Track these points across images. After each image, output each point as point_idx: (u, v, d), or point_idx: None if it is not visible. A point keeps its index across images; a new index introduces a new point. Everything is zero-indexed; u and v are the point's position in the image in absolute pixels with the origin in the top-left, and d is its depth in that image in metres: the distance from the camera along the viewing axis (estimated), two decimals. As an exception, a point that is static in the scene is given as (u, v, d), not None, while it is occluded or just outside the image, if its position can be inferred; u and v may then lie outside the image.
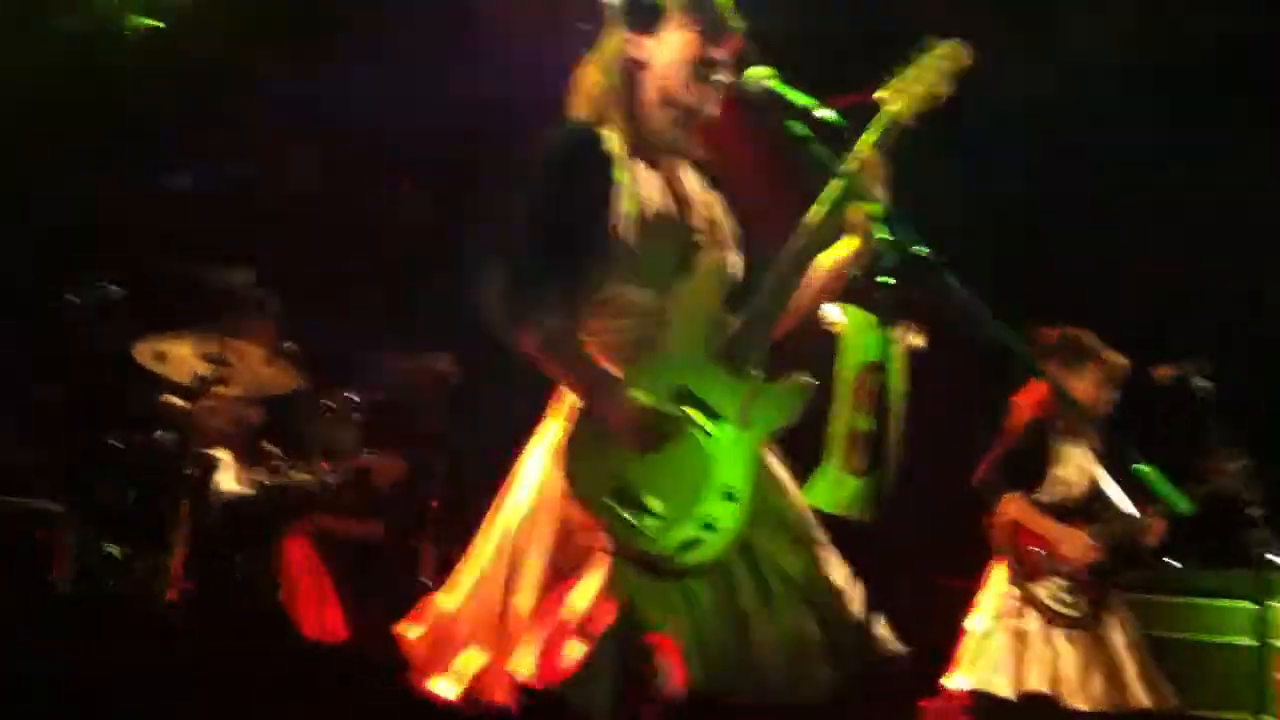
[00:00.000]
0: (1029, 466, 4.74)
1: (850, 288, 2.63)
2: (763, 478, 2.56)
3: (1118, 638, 4.49)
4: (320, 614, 4.83)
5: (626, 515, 2.36)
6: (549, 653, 2.35)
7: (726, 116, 2.81)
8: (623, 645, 2.34)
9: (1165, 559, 5.68)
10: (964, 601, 4.79)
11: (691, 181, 2.80)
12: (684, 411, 2.49)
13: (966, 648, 4.60)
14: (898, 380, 2.48)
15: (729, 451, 2.49)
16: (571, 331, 2.54)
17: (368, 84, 5.88)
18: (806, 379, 2.59)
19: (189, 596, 4.50)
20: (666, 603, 2.39)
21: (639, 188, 2.64)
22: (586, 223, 2.57)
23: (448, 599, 2.61)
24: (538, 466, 2.60)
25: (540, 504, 2.54)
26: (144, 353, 4.87)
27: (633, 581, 2.37)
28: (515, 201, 2.61)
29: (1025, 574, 4.60)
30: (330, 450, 5.07)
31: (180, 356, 4.81)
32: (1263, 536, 4.45)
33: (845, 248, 2.76)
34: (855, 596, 2.54)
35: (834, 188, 2.62)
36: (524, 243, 2.55)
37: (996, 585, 4.68)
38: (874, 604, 2.50)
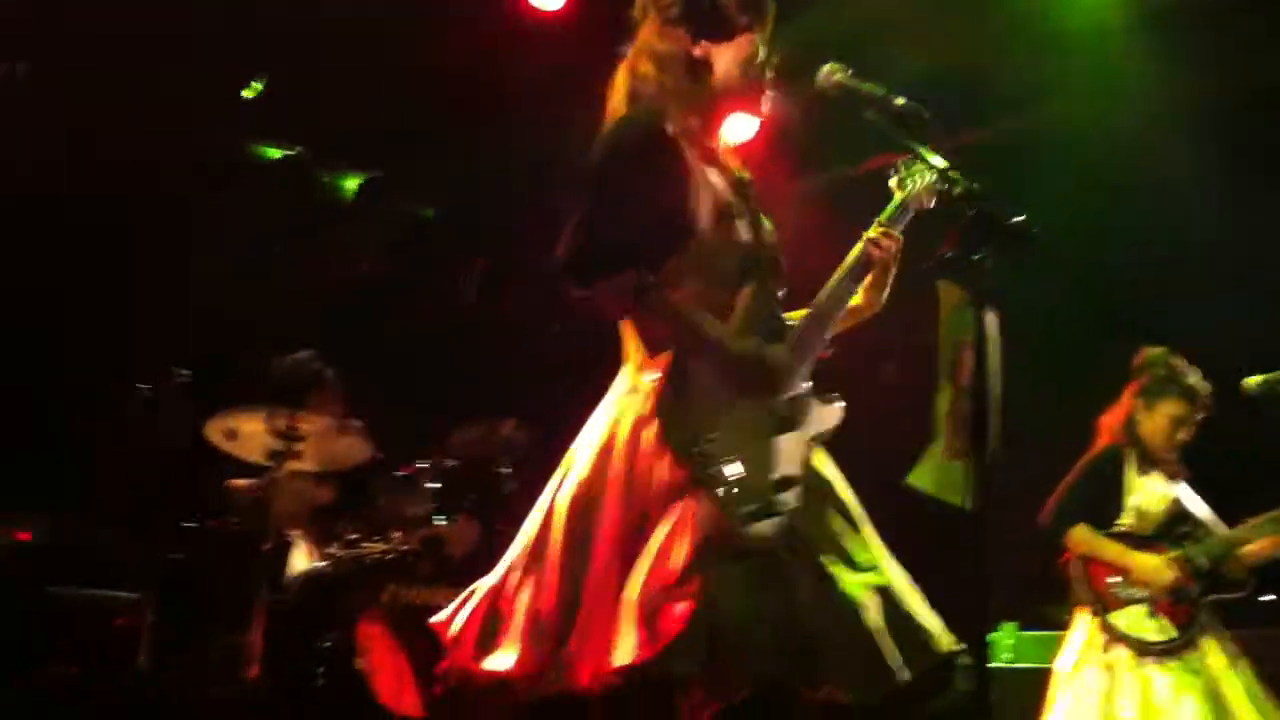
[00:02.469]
0: (1104, 497, 4.62)
1: (946, 265, 2.62)
2: (817, 476, 2.62)
3: (1215, 661, 4.32)
4: (398, 692, 4.79)
5: (714, 469, 2.40)
6: (649, 624, 2.32)
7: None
8: (710, 613, 2.33)
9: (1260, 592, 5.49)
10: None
11: (751, 191, 2.81)
12: None
13: (1054, 689, 4.46)
14: (994, 359, 2.44)
15: (790, 441, 2.55)
16: (655, 284, 2.52)
17: (436, 170, 5.95)
18: (840, 401, 2.67)
19: (269, 674, 4.48)
20: (730, 583, 2.38)
21: (712, 181, 2.65)
22: (663, 210, 2.56)
23: (492, 580, 2.62)
24: (600, 437, 2.59)
25: (608, 476, 2.52)
26: (215, 431, 4.89)
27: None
28: (590, 191, 2.58)
29: (1104, 606, 4.46)
30: (403, 520, 5.04)
31: (251, 433, 4.82)
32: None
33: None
34: (913, 593, 2.55)
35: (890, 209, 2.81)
36: (601, 230, 2.53)
37: (1081, 622, 4.54)
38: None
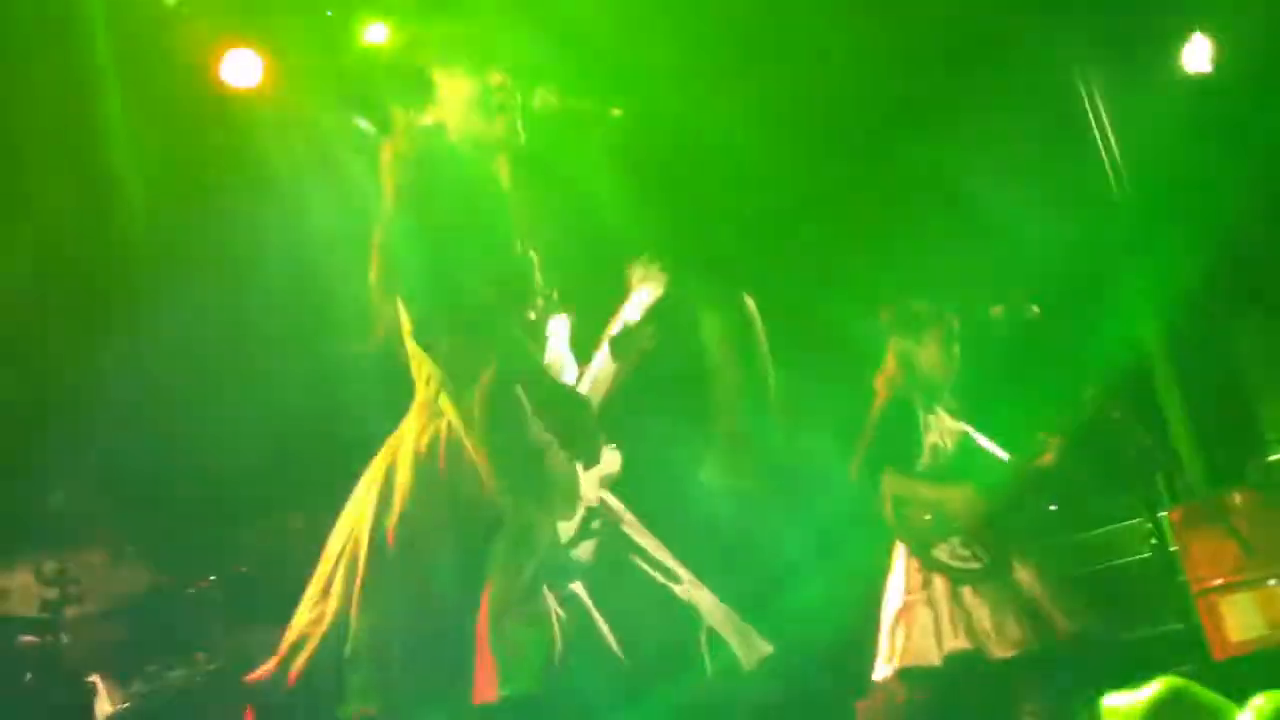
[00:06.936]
0: (902, 443, 4.76)
1: None
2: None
3: (1024, 576, 4.50)
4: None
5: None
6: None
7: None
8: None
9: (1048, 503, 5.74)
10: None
11: None
12: None
13: (885, 633, 4.56)
14: (760, 339, 2.51)
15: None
16: None
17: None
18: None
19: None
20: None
21: None
22: None
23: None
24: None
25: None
26: (-18, 595, 4.62)
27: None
28: None
29: (923, 543, 4.59)
30: (204, 639, 4.85)
31: (21, 588, 4.57)
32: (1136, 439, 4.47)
33: None
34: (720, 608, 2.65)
35: None
36: None
37: (899, 565, 4.67)
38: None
